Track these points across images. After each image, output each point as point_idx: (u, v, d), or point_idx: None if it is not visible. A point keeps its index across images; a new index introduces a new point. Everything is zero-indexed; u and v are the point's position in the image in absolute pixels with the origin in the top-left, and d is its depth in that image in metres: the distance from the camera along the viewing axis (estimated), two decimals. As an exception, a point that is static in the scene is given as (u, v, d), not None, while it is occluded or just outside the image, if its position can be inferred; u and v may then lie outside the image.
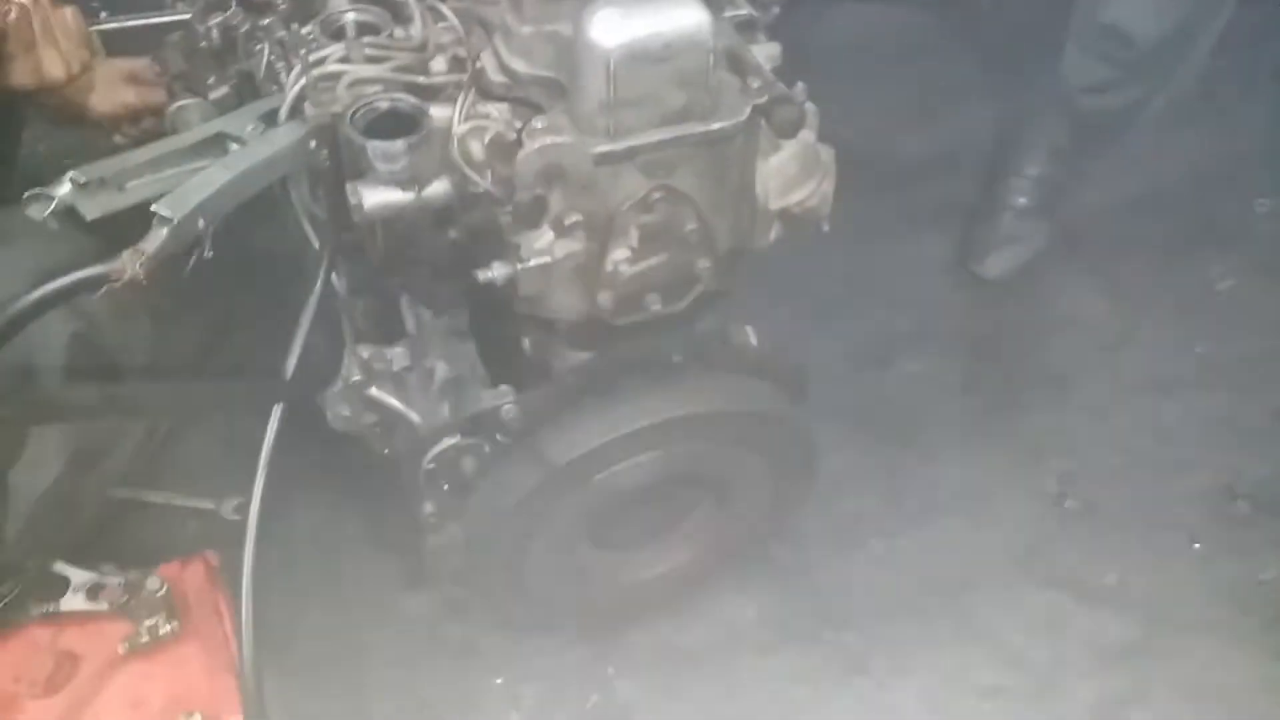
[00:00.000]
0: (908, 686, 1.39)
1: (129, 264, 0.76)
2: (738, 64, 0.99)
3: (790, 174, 1.05)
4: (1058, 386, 1.74)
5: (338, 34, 1.02)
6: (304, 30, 1.02)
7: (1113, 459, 1.65)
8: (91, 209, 0.84)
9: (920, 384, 1.75)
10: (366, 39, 0.98)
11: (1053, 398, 1.73)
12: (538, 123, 0.90)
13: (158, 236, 0.78)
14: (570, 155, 0.89)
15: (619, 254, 0.98)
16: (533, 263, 0.98)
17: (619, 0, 0.85)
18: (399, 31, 1.02)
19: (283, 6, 1.12)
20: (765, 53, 1.06)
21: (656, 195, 0.95)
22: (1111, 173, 1.92)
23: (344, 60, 0.96)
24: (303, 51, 0.95)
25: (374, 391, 1.11)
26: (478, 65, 0.98)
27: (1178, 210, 1.95)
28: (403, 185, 0.92)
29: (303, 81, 0.95)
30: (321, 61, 0.96)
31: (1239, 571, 1.50)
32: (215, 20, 1.16)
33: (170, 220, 0.79)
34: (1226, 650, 1.41)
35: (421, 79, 0.97)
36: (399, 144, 0.90)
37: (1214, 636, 1.43)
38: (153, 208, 0.80)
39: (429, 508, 1.17)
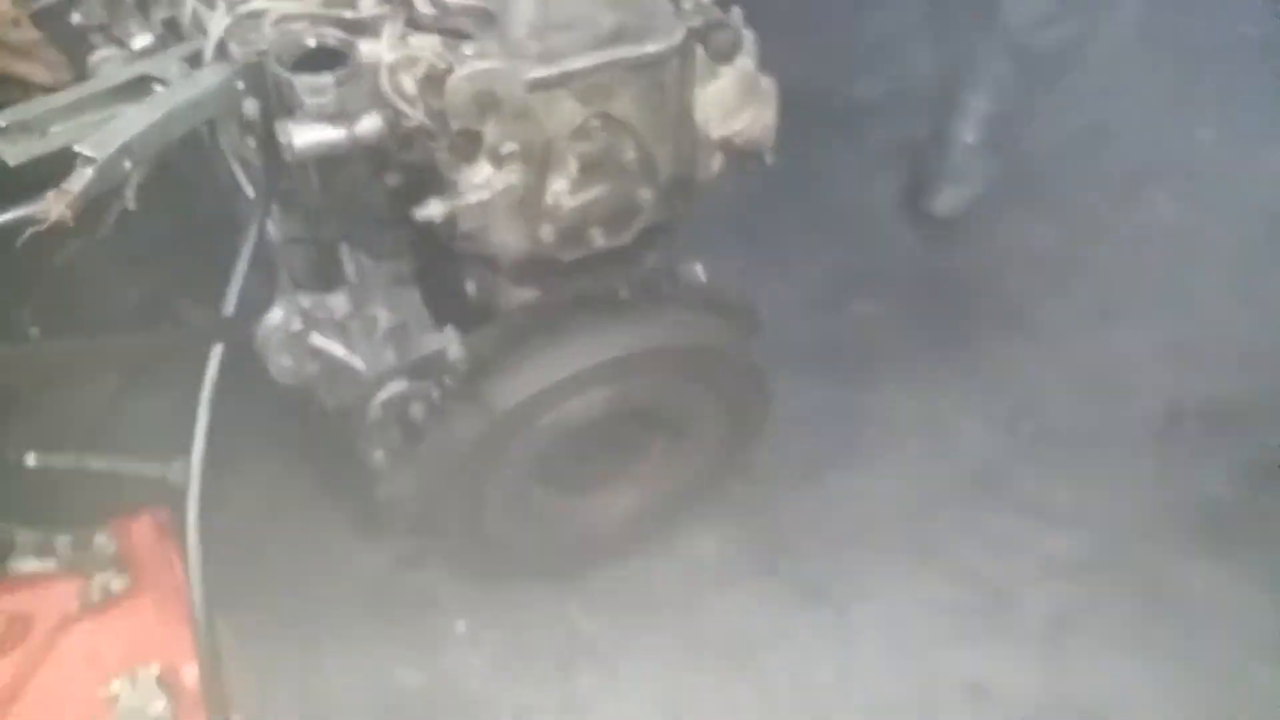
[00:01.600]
0: (866, 610, 1.42)
1: (54, 205, 0.74)
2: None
3: (729, 101, 1.04)
4: (1010, 319, 1.76)
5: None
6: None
7: (1065, 386, 1.67)
8: (13, 155, 0.82)
9: (875, 323, 1.76)
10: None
11: (1006, 330, 1.74)
12: (467, 49, 0.89)
13: (82, 176, 0.77)
14: (502, 82, 0.88)
15: (559, 185, 0.98)
16: (471, 198, 0.97)
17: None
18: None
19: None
20: None
21: (594, 123, 0.94)
22: (1057, 108, 1.93)
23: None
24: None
25: (316, 339, 1.10)
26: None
27: (1123, 142, 1.97)
28: (334, 121, 0.90)
29: (227, 21, 0.92)
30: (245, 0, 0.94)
31: (1187, 486, 1.53)
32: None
33: (94, 160, 0.77)
34: (1175, 559, 1.45)
35: (348, 13, 0.95)
36: (327, 77, 0.88)
37: (1163, 547, 1.46)
38: (76, 147, 0.78)
39: (379, 456, 1.17)
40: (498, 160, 0.94)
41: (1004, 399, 1.66)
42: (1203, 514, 1.50)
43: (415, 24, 0.95)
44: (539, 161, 0.95)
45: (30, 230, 0.75)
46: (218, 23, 0.93)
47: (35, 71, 1.15)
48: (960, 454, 1.59)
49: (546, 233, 1.01)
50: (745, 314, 1.28)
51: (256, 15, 0.93)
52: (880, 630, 1.40)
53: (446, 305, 1.18)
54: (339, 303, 1.12)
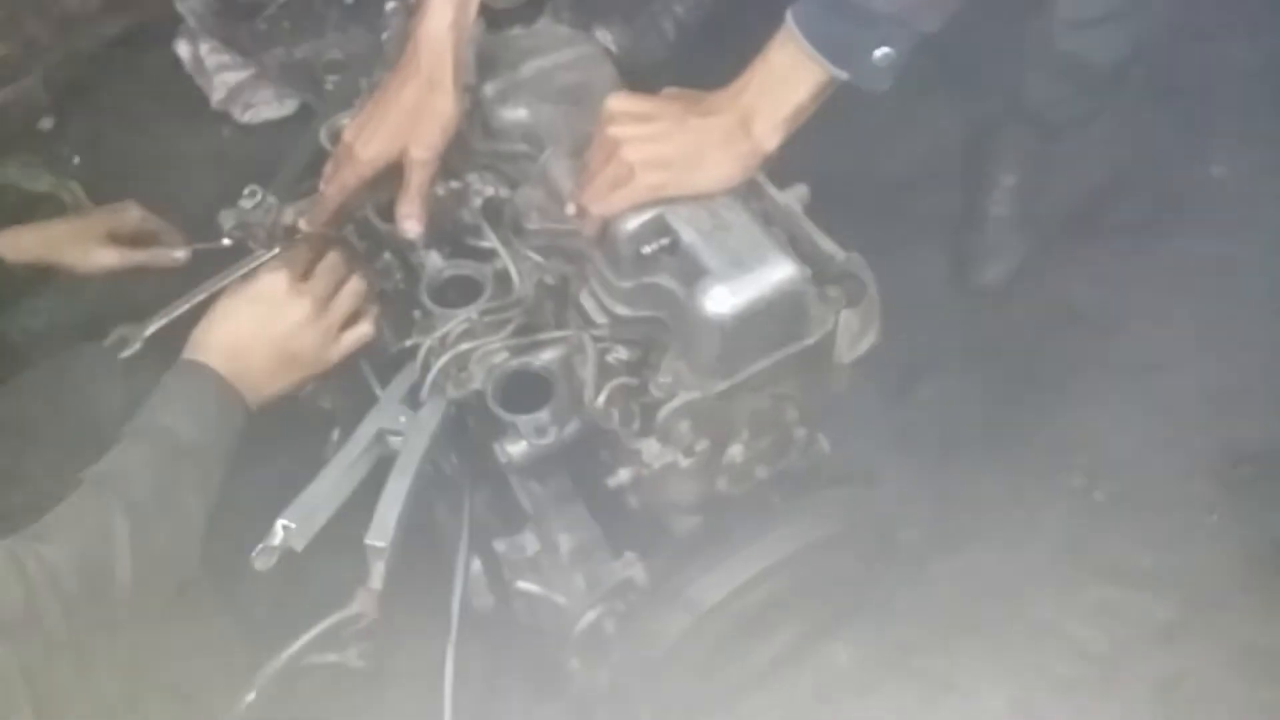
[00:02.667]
0: (993, 695, 1.58)
1: (366, 603, 0.88)
2: (806, 249, 1.11)
3: (855, 329, 1.18)
4: (1064, 381, 1.90)
5: (441, 295, 1.12)
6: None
7: (1126, 445, 1.82)
8: (300, 542, 0.94)
9: (944, 404, 1.89)
10: (482, 306, 1.08)
11: (1062, 394, 1.88)
12: (664, 377, 1.02)
13: (379, 571, 0.90)
14: (699, 401, 1.02)
15: (734, 450, 1.11)
16: (656, 465, 1.11)
17: (721, 274, 0.97)
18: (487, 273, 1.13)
19: (358, 246, 1.22)
20: (795, 194, 1.18)
21: (765, 403, 1.08)
22: (1073, 162, 2.05)
23: (469, 334, 1.07)
24: (427, 337, 1.06)
25: (522, 585, 1.23)
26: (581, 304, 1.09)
27: (1141, 189, 2.09)
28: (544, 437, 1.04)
29: (440, 363, 1.05)
30: (446, 337, 1.07)
31: (1254, 535, 1.69)
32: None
33: (384, 549, 0.90)
34: (1260, 613, 1.61)
35: (542, 336, 1.08)
36: (544, 415, 1.01)
37: (1247, 601, 1.63)
38: (367, 540, 0.91)
39: (575, 664, 1.31)
40: (689, 450, 1.07)
41: (1073, 465, 1.81)
42: (1274, 560, 1.66)
43: (597, 339, 1.08)
44: (720, 439, 1.09)
45: (347, 625, 0.89)
46: (432, 367, 1.05)
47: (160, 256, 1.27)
48: (1044, 527, 1.75)
49: (721, 483, 1.14)
50: (865, 468, 1.43)
51: (465, 355, 1.06)
52: (1009, 712, 1.57)
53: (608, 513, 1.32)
54: (529, 540, 1.26)
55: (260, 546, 0.92)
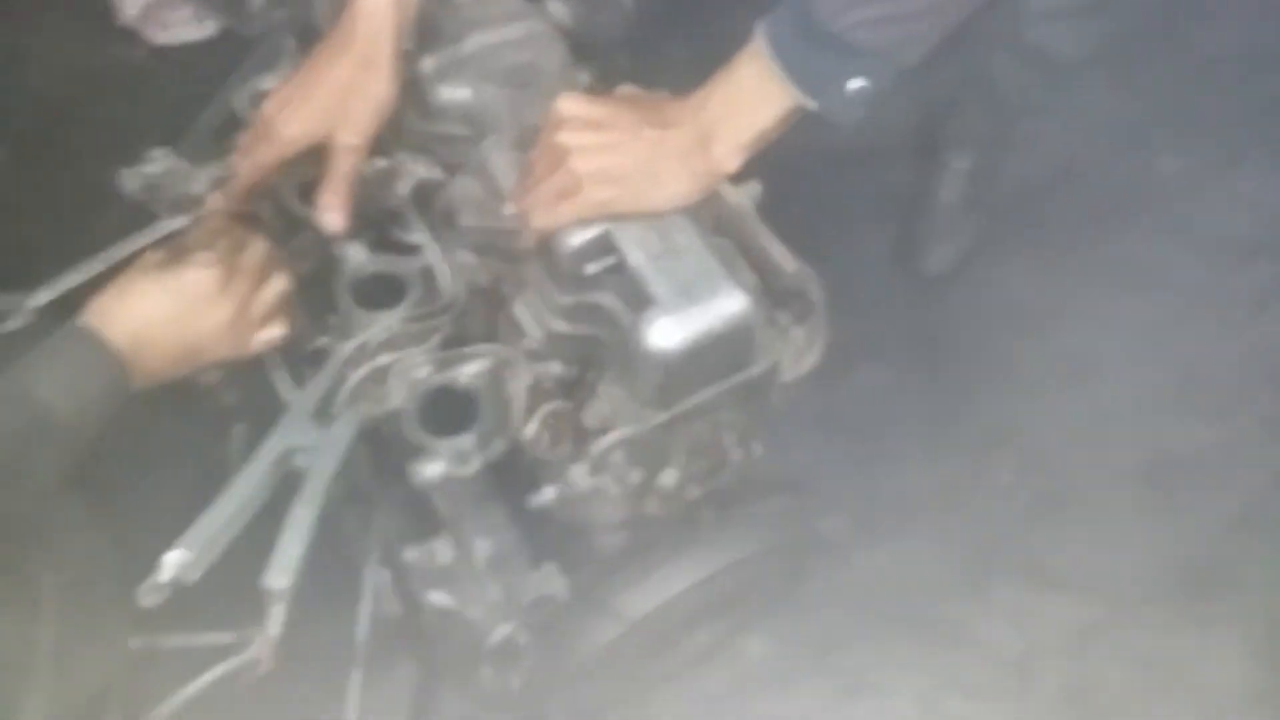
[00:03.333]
0: (906, 696, 1.58)
1: (263, 651, 0.81)
2: (756, 259, 1.05)
3: (799, 345, 1.13)
4: (1003, 376, 1.88)
5: (362, 293, 1.04)
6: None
7: (1057, 444, 1.82)
8: (195, 573, 0.87)
9: (878, 390, 1.87)
10: (404, 312, 1.00)
11: (998, 386, 1.87)
12: (601, 405, 0.95)
13: (277, 615, 0.83)
14: (638, 434, 0.96)
15: (667, 476, 1.06)
16: (584, 487, 1.05)
17: (668, 305, 0.90)
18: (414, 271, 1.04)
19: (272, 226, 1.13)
20: (748, 191, 1.12)
21: (704, 431, 1.02)
22: (1023, 150, 2.01)
23: (390, 343, 0.99)
24: (344, 343, 0.97)
25: (433, 597, 1.17)
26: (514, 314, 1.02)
27: (1089, 180, 2.06)
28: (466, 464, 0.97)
29: (357, 377, 0.97)
30: (366, 345, 0.98)
31: (1175, 543, 1.71)
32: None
33: (284, 593, 0.83)
34: (1172, 622, 1.63)
35: (467, 350, 1.00)
36: (468, 440, 0.94)
37: (1161, 610, 1.65)
38: (263, 582, 0.84)
39: (486, 671, 1.26)
40: (618, 478, 1.02)
41: (1004, 462, 1.80)
42: (1190, 571, 1.68)
43: (530, 354, 1.01)
44: (653, 467, 1.03)
45: (240, 674, 0.82)
46: (347, 380, 0.97)
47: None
48: (969, 524, 1.74)
49: (652, 505, 1.09)
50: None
51: (383, 370, 0.98)
52: (919, 713, 1.57)
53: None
54: (441, 547, 1.19)
55: (149, 582, 0.84)
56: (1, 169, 1.92)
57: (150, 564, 0.84)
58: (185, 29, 2.03)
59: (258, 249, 1.03)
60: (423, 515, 1.19)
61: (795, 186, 1.88)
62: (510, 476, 1.13)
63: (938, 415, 1.85)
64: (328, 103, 1.02)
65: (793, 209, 1.85)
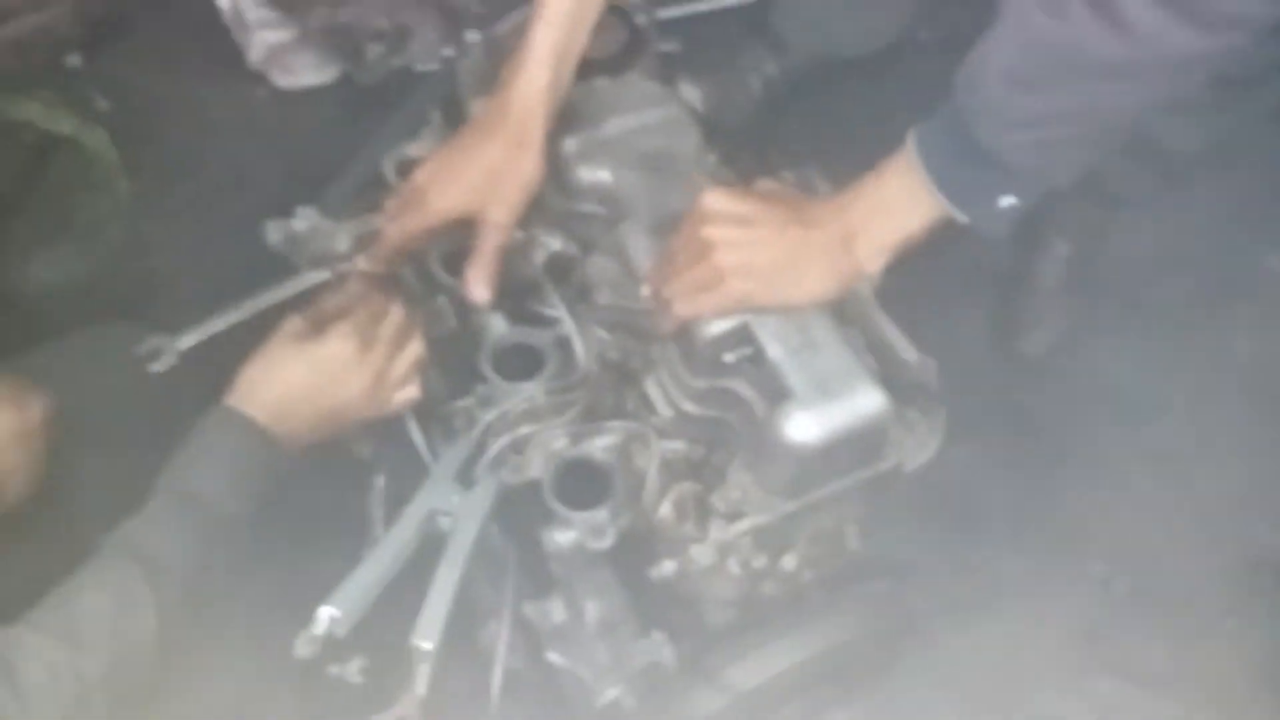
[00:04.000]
0: (990, 786, 1.57)
1: (409, 710, 0.84)
2: (881, 352, 1.07)
3: (922, 436, 1.14)
4: (1097, 462, 1.87)
5: (501, 362, 1.07)
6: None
7: (1152, 538, 1.79)
8: (344, 627, 0.90)
9: (972, 469, 1.85)
10: (543, 384, 1.03)
11: (1092, 474, 1.85)
12: (731, 491, 0.97)
13: (424, 674, 0.86)
14: (766, 524, 0.97)
15: (787, 561, 1.07)
16: (704, 563, 1.07)
17: (806, 399, 0.92)
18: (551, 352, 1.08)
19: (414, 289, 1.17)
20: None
21: (829, 521, 1.04)
22: (1126, 236, 2.00)
23: (530, 414, 1.02)
24: (486, 411, 1.01)
25: (551, 657, 1.19)
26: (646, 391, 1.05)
27: (1192, 269, 2.05)
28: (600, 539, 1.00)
29: (499, 445, 1.00)
30: (507, 415, 1.02)
31: (1268, 646, 1.68)
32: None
33: (431, 652, 0.86)
34: (1263, 728, 1.61)
35: (602, 424, 1.03)
36: (603, 514, 0.97)
37: (1253, 712, 1.62)
38: (413, 641, 0.86)
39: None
40: (741, 560, 1.03)
41: (1096, 551, 1.78)
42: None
43: (660, 431, 1.04)
44: (776, 553, 1.05)
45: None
46: (489, 449, 1.01)
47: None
48: (1060, 614, 1.72)
49: (768, 588, 1.11)
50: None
51: (524, 440, 1.01)
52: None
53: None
54: (556, 608, 1.22)
55: (304, 634, 0.87)
56: (134, 203, 2.00)
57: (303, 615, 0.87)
58: (307, 74, 2.10)
59: (395, 316, 1.07)
60: (538, 573, 1.22)
61: (893, 262, 1.91)
62: (625, 543, 1.15)
63: (1031, 500, 1.83)
64: (479, 180, 1.06)
65: (890, 285, 1.88)
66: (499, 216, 1.06)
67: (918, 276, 1.96)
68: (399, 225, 1.11)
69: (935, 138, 0.93)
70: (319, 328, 1.02)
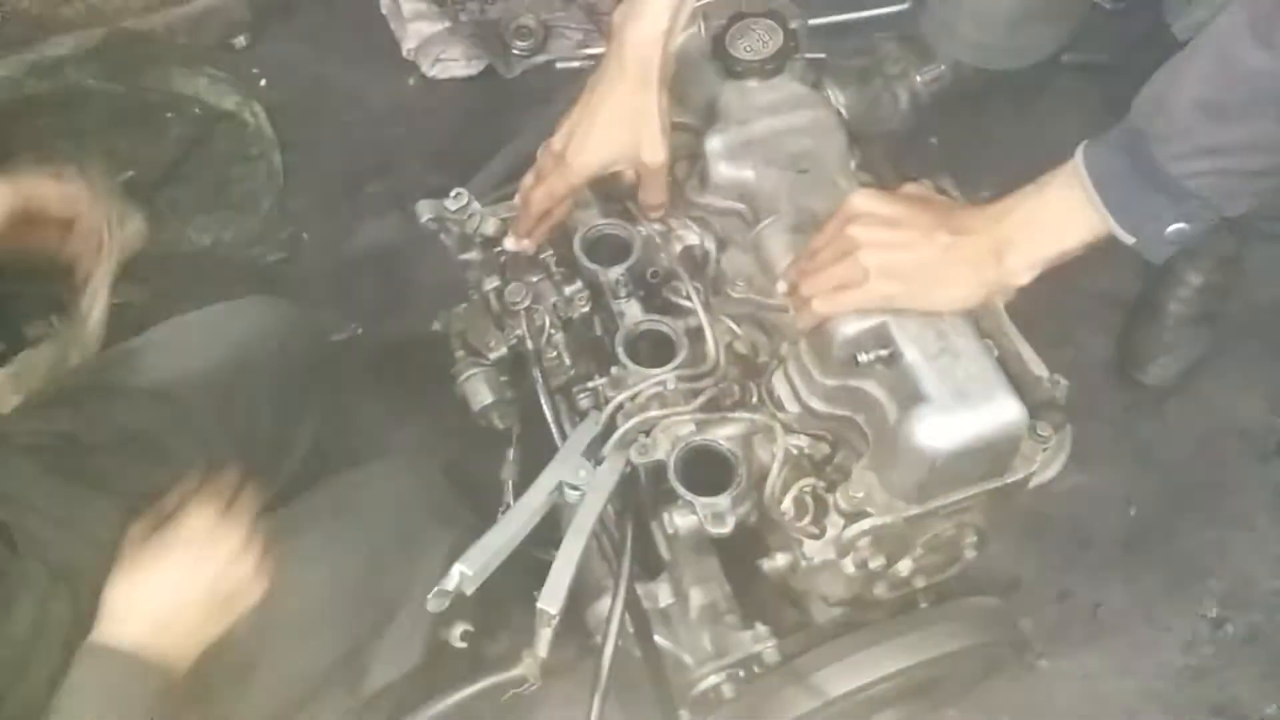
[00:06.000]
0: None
1: (530, 669, 0.87)
2: (1014, 367, 1.07)
3: (1050, 452, 1.14)
4: (1215, 498, 1.83)
5: (633, 347, 1.10)
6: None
7: (1270, 579, 1.75)
8: (473, 585, 0.94)
9: (1084, 496, 1.83)
10: (674, 371, 1.06)
11: (1211, 510, 1.82)
12: (854, 490, 0.99)
13: (545, 637, 0.90)
14: (887, 526, 0.99)
15: (902, 565, 1.09)
16: (817, 560, 1.08)
17: (942, 405, 0.93)
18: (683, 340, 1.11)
19: (554, 271, 1.21)
20: None
21: (949, 529, 1.05)
22: (1260, 270, 1.95)
23: (660, 399, 1.05)
24: (617, 393, 1.04)
25: (657, 639, 1.22)
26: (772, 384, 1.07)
27: (1328, 310, 1.99)
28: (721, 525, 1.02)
29: (627, 426, 1.04)
30: (638, 397, 1.05)
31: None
32: (492, 285, 1.24)
33: (554, 616, 0.90)
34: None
35: (729, 414, 1.06)
36: (724, 500, 1.00)
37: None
38: (539, 604, 0.90)
39: (684, 714, 1.31)
40: (860, 562, 1.05)
41: (1209, 589, 1.75)
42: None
43: (786, 426, 1.06)
44: (893, 556, 1.06)
45: (506, 688, 0.89)
46: (617, 427, 1.04)
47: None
48: (1167, 650, 1.69)
49: (879, 589, 1.12)
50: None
51: (652, 422, 1.04)
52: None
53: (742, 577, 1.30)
54: (663, 590, 1.25)
55: (436, 589, 0.92)
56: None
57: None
58: (456, 65, 2.18)
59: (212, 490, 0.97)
60: (647, 556, 1.25)
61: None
62: (735, 535, 1.18)
63: (1144, 531, 1.80)
64: (614, 131, 1.09)
65: (1015, 302, 1.87)
66: (651, 156, 1.09)
67: (1044, 297, 1.97)
68: (544, 189, 1.14)
69: (1107, 157, 0.92)
70: (160, 524, 0.95)
